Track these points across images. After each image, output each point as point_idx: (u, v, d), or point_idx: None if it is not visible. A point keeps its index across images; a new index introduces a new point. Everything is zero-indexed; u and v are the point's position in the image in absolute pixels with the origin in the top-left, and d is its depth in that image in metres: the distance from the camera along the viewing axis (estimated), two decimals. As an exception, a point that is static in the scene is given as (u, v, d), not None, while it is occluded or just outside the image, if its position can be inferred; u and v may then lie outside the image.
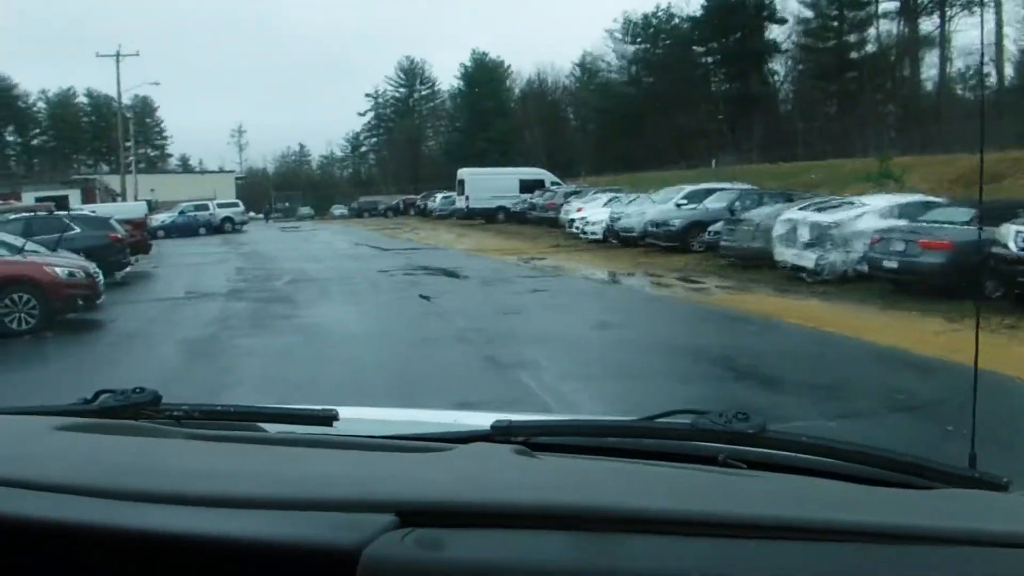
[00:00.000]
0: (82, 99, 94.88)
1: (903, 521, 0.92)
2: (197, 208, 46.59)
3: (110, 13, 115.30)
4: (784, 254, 15.80)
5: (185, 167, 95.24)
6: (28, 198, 44.57)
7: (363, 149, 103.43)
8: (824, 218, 15.52)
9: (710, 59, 75.83)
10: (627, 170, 57.98)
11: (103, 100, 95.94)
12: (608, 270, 18.65)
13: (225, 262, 25.07)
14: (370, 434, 1.40)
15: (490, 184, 40.46)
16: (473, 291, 16.56)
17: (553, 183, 40.87)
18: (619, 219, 24.92)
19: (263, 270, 21.88)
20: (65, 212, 24.20)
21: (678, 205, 23.56)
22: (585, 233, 27.13)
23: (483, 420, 1.39)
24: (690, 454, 1.28)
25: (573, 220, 29.05)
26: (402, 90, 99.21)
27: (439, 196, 52.49)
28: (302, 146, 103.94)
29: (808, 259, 15.11)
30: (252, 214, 74.49)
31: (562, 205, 32.98)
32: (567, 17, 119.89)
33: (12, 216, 21.08)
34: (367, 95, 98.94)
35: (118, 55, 45.53)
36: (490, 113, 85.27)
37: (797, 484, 1.16)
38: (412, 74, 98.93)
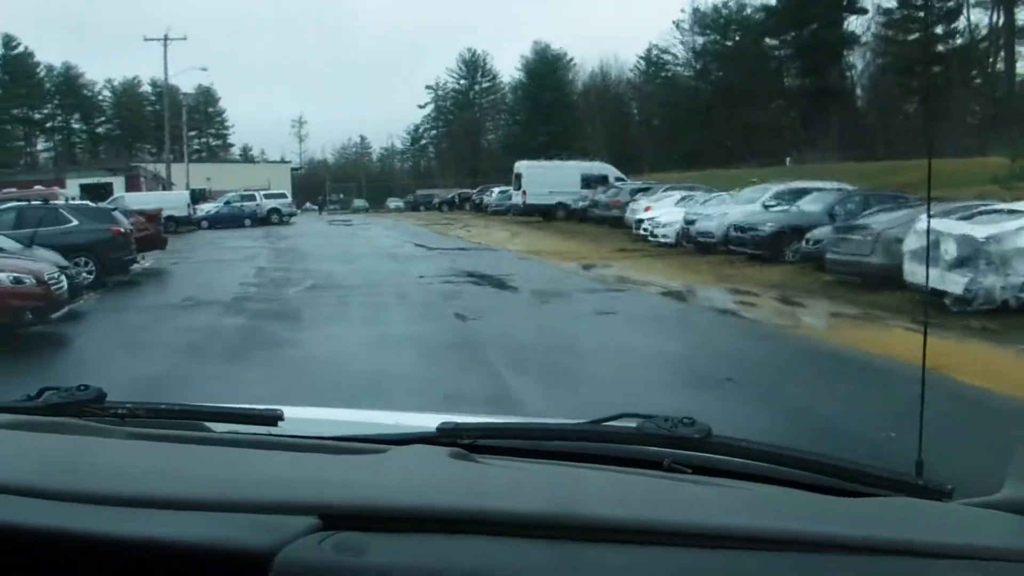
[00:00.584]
0: (146, 88, 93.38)
1: (838, 531, 0.91)
2: (243, 199, 44.02)
3: (175, 3, 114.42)
4: (917, 274, 12.15)
5: (246, 157, 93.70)
6: (72, 186, 42.58)
7: (423, 142, 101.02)
8: (976, 230, 11.83)
9: (783, 52, 71.52)
10: (692, 167, 54.47)
11: (166, 91, 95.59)
12: (687, 285, 15.09)
13: (252, 259, 22.11)
14: (315, 434, 1.37)
15: (549, 178, 37.06)
16: (521, 310, 13.24)
17: (617, 179, 37.35)
18: (695, 221, 21.33)
19: (286, 272, 18.86)
20: (63, 202, 21.37)
21: (766, 206, 19.93)
22: (655, 236, 23.62)
23: (430, 421, 1.37)
24: (635, 458, 1.25)
25: (641, 221, 25.57)
26: (463, 82, 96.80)
27: (495, 191, 49.30)
28: (363, 138, 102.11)
29: (955, 283, 11.43)
30: (309, 205, 72.56)
31: (628, 203, 29.48)
32: (633, 7, 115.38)
33: (4, 207, 18.46)
34: (427, 87, 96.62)
35: (166, 38, 43.20)
36: (551, 106, 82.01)
37: (738, 491, 1.14)
38: (473, 66, 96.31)
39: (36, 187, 39.70)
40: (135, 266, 19.00)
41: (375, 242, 28.07)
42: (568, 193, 36.47)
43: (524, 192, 37.31)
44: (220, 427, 1.45)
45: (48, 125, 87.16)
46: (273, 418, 1.41)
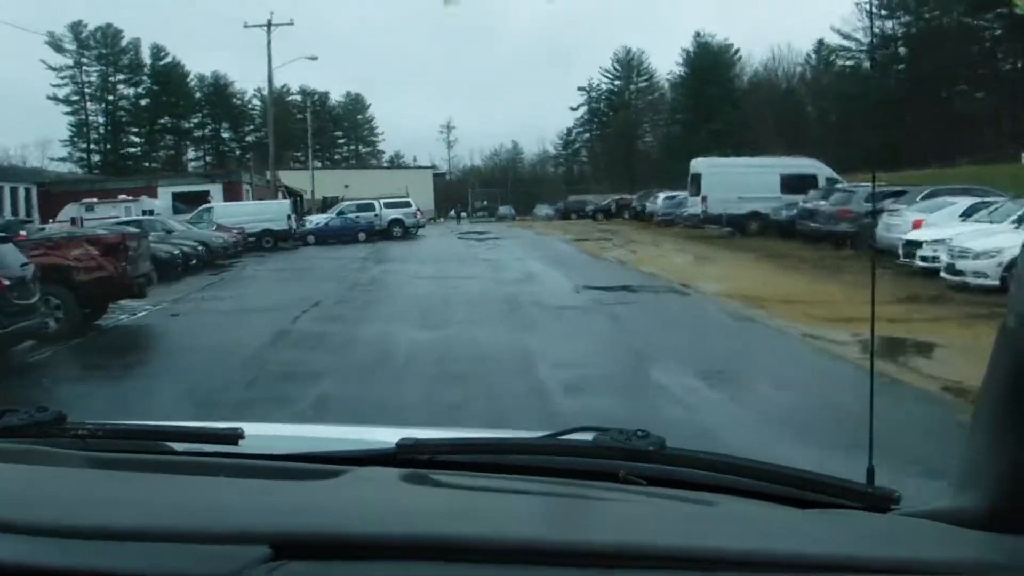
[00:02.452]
0: (295, 97, 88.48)
1: (782, 548, 0.91)
2: (360, 208, 35.97)
3: (326, 13, 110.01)
4: None
5: (395, 164, 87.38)
6: (164, 194, 35.79)
7: (576, 146, 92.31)
8: None
9: (994, 31, 58.17)
10: (885, 167, 43.00)
11: (316, 98, 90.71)
12: None
13: (287, 313, 13.27)
14: (275, 452, 1.34)
15: (737, 180, 26.91)
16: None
17: (830, 180, 26.88)
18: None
19: (313, 348, 9.94)
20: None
21: None
22: (957, 273, 13.35)
23: (390, 436, 1.32)
24: (591, 471, 1.24)
25: (916, 244, 15.31)
26: (617, 82, 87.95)
27: (660, 196, 39.35)
28: (515, 143, 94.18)
29: None
30: (452, 213, 64.72)
31: (869, 214, 19.17)
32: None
33: None
34: (580, 88, 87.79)
35: (269, 24, 35.73)
36: (715, 102, 71.07)
37: (686, 505, 1.13)
38: (628, 65, 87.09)
39: (121, 196, 33.04)
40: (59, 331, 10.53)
41: (500, 271, 18.90)
42: (763, 199, 26.31)
43: (704, 198, 27.27)
44: (181, 446, 1.40)
45: (198, 134, 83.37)
46: (234, 436, 1.34)
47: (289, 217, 31.26)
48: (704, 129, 68.97)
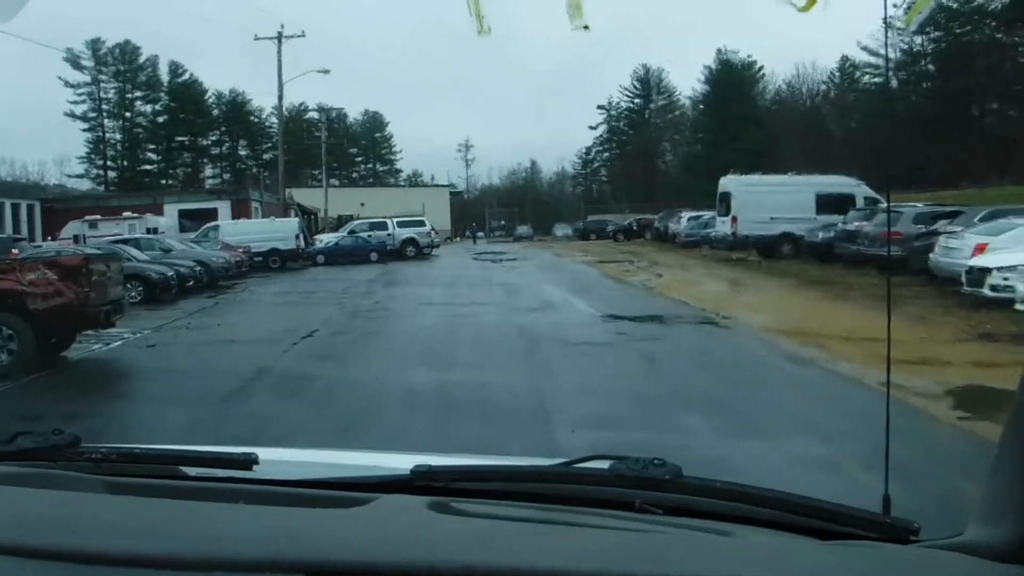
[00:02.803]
0: (312, 114, 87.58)
1: None
2: (372, 227, 34.44)
3: (344, 33, 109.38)
4: None
5: (413, 183, 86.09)
6: (171, 211, 34.41)
7: (595, 164, 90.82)
8: None
9: (1031, 47, 56.20)
10: (915, 187, 40.92)
11: (334, 115, 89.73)
12: None
13: (275, 346, 11.70)
14: (290, 478, 1.32)
15: (769, 199, 25.12)
16: None
17: (868, 199, 25.09)
18: None
19: (294, 390, 8.31)
20: None
21: None
22: (1039, 305, 11.59)
23: (404, 463, 1.31)
24: (607, 499, 1.22)
25: (983, 271, 13.52)
26: (637, 101, 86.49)
27: (684, 216, 37.63)
28: (533, 162, 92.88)
29: None
30: (468, 232, 63.22)
31: (920, 238, 17.42)
32: (833, 6, 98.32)
33: None
34: (599, 107, 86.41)
35: (280, 36, 34.30)
36: (738, 120, 69.27)
37: (703, 536, 1.11)
38: (647, 83, 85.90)
39: (125, 213, 31.69)
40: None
41: (516, 297, 17.21)
42: (797, 220, 24.55)
43: (734, 218, 25.48)
44: (194, 470, 1.38)
45: (215, 152, 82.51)
46: (248, 462, 1.32)
47: (298, 236, 29.76)
48: (728, 147, 67.26)
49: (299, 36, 34.31)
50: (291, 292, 20.73)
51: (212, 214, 32.70)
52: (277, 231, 29.47)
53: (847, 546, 1.06)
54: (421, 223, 35.58)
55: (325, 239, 34.07)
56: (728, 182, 26.37)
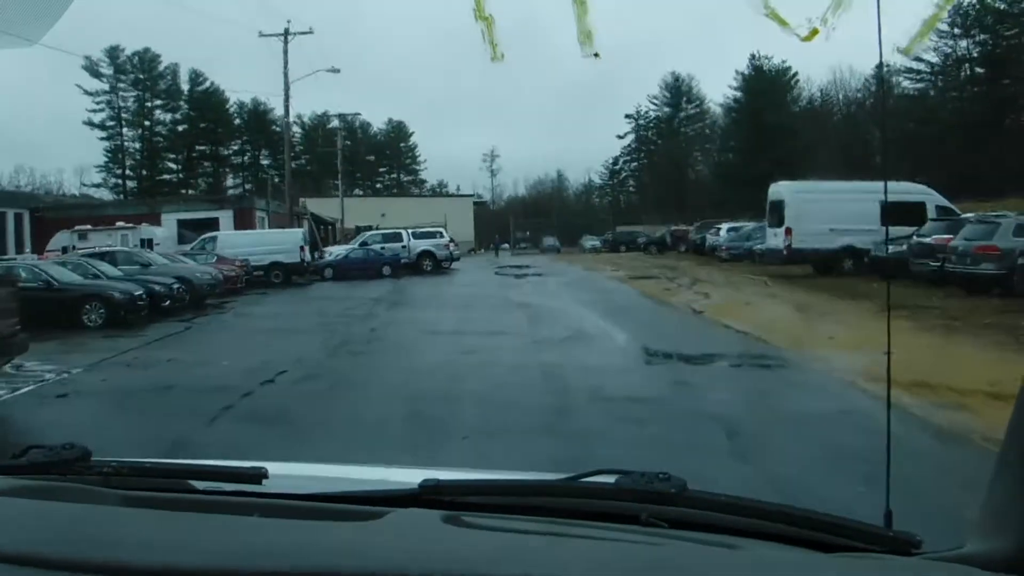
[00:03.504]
0: (335, 123, 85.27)
1: None
2: (386, 239, 31.56)
3: (369, 42, 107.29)
4: None
5: (435, 193, 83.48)
6: (169, 221, 31.68)
7: (622, 175, 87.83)
8: None
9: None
10: (966, 195, 37.32)
11: (356, 124, 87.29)
12: None
13: (222, 396, 8.78)
14: (299, 491, 1.32)
15: (828, 209, 21.82)
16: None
17: (941, 208, 21.84)
18: None
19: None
20: None
21: None
22: None
23: (412, 477, 1.31)
24: (613, 513, 1.22)
25: None
26: (666, 109, 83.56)
27: (723, 228, 34.40)
28: (560, 173, 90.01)
29: None
30: (494, 244, 60.22)
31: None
32: (871, 8, 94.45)
33: None
34: (627, 116, 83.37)
35: (286, 32, 31.56)
36: (773, 128, 65.73)
37: (712, 549, 1.11)
38: (677, 91, 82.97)
39: (119, 223, 29.00)
40: None
41: (540, 325, 14.14)
42: (860, 232, 21.24)
43: (788, 230, 22.23)
44: (204, 484, 1.36)
45: (237, 161, 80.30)
46: (258, 476, 1.32)
47: (302, 248, 26.86)
48: (763, 156, 63.88)
49: (307, 33, 31.64)
50: (280, 315, 17.84)
51: (213, 224, 29.95)
52: (279, 243, 26.59)
53: (850, 558, 1.05)
54: (439, 234, 32.57)
55: (335, 252, 31.21)
56: (781, 189, 23.04)
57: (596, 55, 1.79)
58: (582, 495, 1.25)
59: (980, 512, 1.01)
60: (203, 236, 27.01)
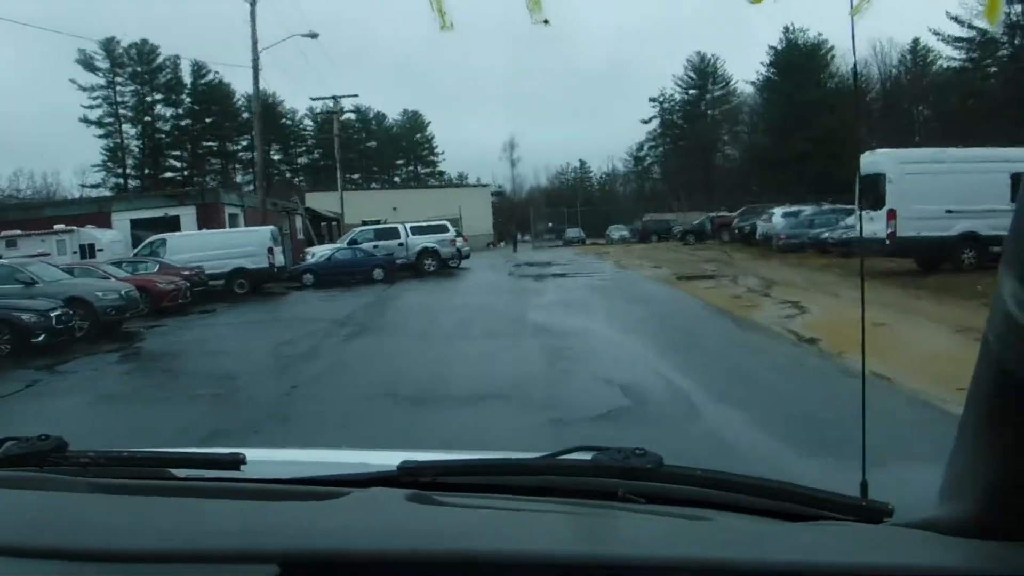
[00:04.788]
0: (349, 115, 79.93)
1: (777, 558, 0.91)
2: (379, 235, 26.09)
3: (387, 32, 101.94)
4: None
5: (450, 184, 78.02)
6: (121, 221, 26.26)
7: (647, 161, 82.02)
8: None
9: None
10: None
11: (370, 118, 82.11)
12: None
13: None
14: (276, 477, 1.29)
15: (943, 185, 16.00)
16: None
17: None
18: None
19: None
20: None
21: None
22: None
23: (391, 460, 1.28)
24: (591, 490, 1.21)
25: None
26: (692, 92, 77.49)
27: (777, 213, 28.59)
28: (582, 162, 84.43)
29: None
30: (514, 236, 54.60)
31: None
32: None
33: None
34: (651, 100, 77.49)
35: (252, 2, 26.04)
36: (809, 106, 59.51)
37: (686, 522, 1.11)
38: (703, 72, 77.22)
39: (57, 226, 23.64)
40: None
41: (561, 363, 8.57)
42: (984, 214, 15.43)
43: (892, 212, 16.38)
44: (182, 472, 1.34)
45: (245, 156, 75.19)
46: (235, 462, 1.29)
47: (270, 250, 21.45)
48: (799, 135, 57.81)
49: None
50: (196, 352, 12.36)
51: (173, 223, 24.63)
52: (243, 244, 21.22)
53: (818, 526, 1.07)
54: (443, 228, 26.91)
55: (317, 253, 25.75)
56: (879, 159, 17.00)
57: (546, 21, 1.59)
58: (559, 472, 1.23)
59: (943, 478, 1.00)
60: (148, 239, 21.71)
